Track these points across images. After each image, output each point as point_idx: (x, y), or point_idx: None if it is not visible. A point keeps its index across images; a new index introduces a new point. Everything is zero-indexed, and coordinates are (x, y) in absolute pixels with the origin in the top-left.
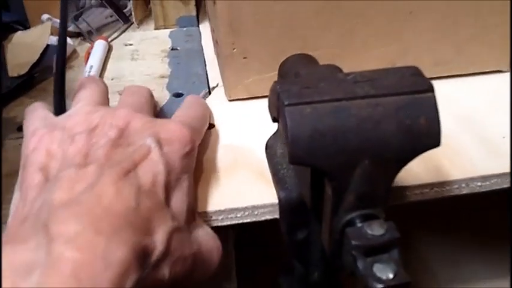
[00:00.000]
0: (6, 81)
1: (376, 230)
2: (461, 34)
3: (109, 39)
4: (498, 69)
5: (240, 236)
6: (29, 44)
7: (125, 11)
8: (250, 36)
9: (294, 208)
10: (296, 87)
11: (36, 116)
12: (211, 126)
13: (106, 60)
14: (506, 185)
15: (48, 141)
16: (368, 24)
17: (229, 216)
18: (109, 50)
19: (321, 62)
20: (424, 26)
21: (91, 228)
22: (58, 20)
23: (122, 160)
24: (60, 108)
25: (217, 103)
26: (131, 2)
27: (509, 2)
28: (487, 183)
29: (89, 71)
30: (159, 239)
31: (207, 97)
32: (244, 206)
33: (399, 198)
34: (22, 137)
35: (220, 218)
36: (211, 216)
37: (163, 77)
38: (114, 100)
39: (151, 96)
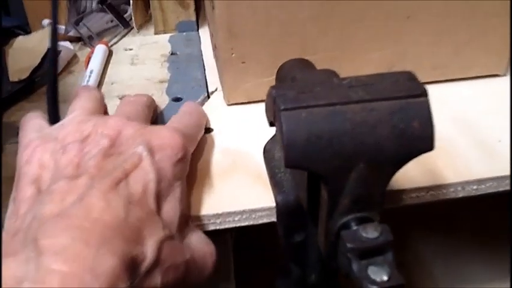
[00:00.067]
0: (7, 85)
1: (370, 232)
2: (458, 38)
3: (109, 44)
4: (495, 73)
5: (239, 239)
6: (29, 49)
7: (125, 16)
8: (248, 41)
9: (291, 211)
10: (292, 91)
11: (31, 126)
12: (210, 130)
13: (106, 64)
14: (502, 188)
15: (40, 153)
16: (366, 28)
17: (227, 219)
18: (109, 54)
19: (320, 66)
20: (422, 30)
21: (80, 241)
22: (59, 25)
23: (113, 170)
24: (54, 116)
25: (216, 107)
26: (131, 7)
27: (506, 5)
28: (483, 186)
29: (89, 76)
30: (149, 249)
31: (206, 101)
32: (241, 210)
33: (396, 202)
34: None
35: (218, 221)
36: (209, 220)
37: (162, 81)
38: (114, 105)
39: (151, 103)
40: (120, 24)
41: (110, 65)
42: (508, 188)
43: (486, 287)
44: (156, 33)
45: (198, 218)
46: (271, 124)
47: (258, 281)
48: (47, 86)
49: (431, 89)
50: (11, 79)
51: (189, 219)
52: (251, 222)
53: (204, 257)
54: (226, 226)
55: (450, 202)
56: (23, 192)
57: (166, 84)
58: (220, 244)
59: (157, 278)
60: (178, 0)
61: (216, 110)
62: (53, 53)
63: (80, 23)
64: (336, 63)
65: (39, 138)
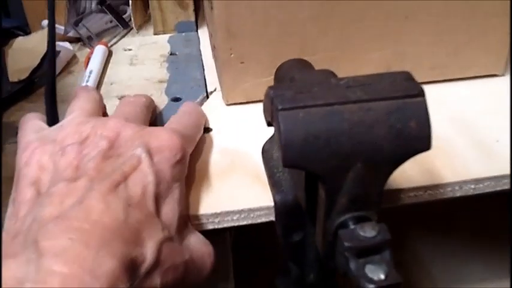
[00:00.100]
0: (6, 86)
1: (368, 231)
2: (457, 38)
3: (109, 45)
4: (493, 73)
5: (238, 239)
6: (29, 49)
7: (124, 16)
8: (247, 41)
9: (289, 211)
10: (290, 92)
11: (30, 127)
12: (209, 130)
13: (105, 65)
14: (500, 188)
15: (39, 155)
16: (365, 28)
17: (226, 218)
18: (109, 55)
19: (319, 66)
20: (421, 30)
21: (79, 242)
22: (58, 26)
23: (112, 172)
24: (52, 117)
25: (215, 107)
26: (131, 7)
27: (506, 5)
28: (480, 185)
29: (89, 76)
30: (148, 250)
31: (205, 101)
32: (240, 209)
33: (394, 201)
34: None
35: (216, 220)
36: (207, 219)
37: (161, 81)
38: (113, 105)
39: (150, 104)
40: (120, 25)
41: (109, 65)
42: (505, 187)
43: (484, 287)
44: (155, 33)
45: (197, 217)
46: (269, 124)
47: (257, 280)
48: (45, 87)
49: (429, 89)
50: (10, 79)
51: (187, 220)
52: (249, 222)
53: (203, 257)
54: (225, 225)
55: (448, 201)
56: (23, 194)
57: (165, 85)
58: (219, 243)
59: (156, 279)
60: (178, 1)
61: (215, 110)
62: (51, 54)
63: (80, 24)
64: (335, 63)
65: (38, 139)
